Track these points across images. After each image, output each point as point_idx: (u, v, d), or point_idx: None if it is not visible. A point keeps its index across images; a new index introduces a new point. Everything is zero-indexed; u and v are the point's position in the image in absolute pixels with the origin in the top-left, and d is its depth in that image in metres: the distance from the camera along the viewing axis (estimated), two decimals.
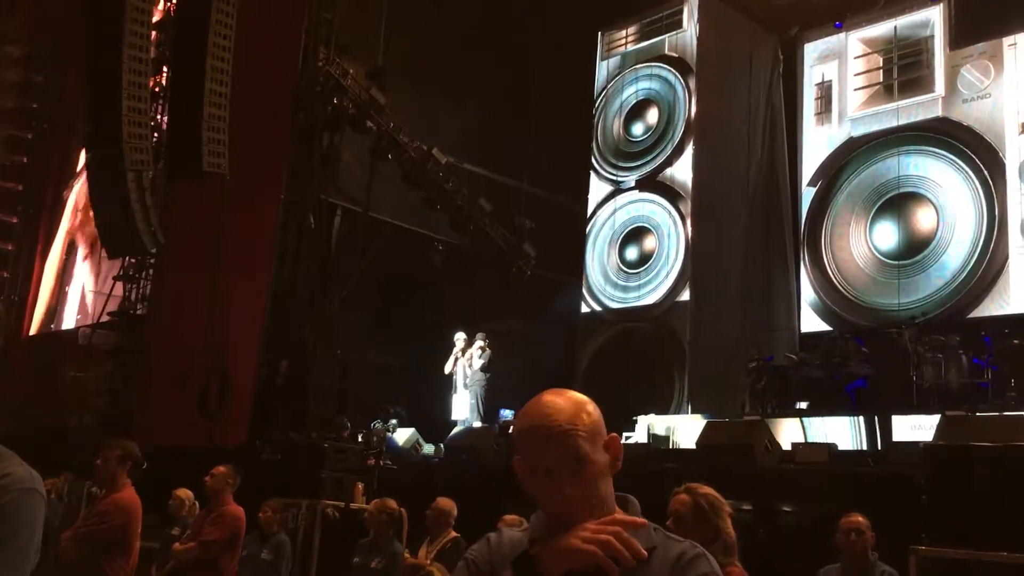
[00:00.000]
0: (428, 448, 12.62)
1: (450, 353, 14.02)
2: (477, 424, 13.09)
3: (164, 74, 14.67)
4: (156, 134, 13.45)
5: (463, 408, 13.69)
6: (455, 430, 13.06)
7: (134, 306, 16.09)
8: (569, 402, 1.70)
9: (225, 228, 13.18)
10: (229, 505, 5.95)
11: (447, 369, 13.93)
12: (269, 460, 10.74)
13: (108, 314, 16.65)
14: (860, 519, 4.91)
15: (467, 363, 13.81)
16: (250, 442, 12.06)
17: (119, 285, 16.46)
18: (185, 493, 7.57)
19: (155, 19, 13.70)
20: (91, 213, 14.94)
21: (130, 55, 12.14)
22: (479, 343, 13.74)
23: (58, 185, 21.60)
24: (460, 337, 13.87)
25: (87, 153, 14.05)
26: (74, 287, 20.22)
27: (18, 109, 21.54)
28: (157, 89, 14.14)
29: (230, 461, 6.38)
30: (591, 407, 1.71)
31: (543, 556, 1.57)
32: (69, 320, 19.88)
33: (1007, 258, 11.72)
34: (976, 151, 12.29)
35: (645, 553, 1.59)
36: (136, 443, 5.06)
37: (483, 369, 13.57)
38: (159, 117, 14.11)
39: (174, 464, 8.39)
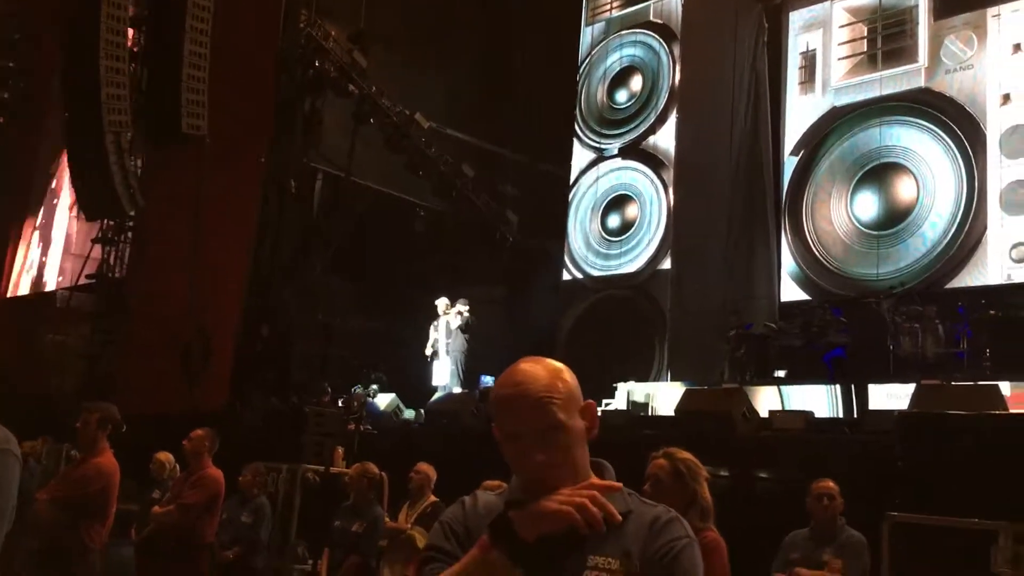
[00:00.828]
0: (409, 413, 12.66)
1: (432, 318, 14.01)
2: (457, 390, 13.13)
3: (143, 34, 14.45)
4: (134, 95, 13.27)
5: (444, 374, 13.72)
6: (436, 395, 13.10)
7: (112, 269, 15.98)
8: (545, 370, 1.71)
9: (206, 191, 13.08)
10: (208, 468, 5.96)
11: (431, 336, 13.92)
12: (250, 424, 10.75)
13: (87, 276, 16.54)
14: (831, 484, 5.00)
15: (447, 328, 13.82)
16: (230, 406, 12.06)
17: (97, 248, 16.33)
18: (166, 456, 7.58)
19: None
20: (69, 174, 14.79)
21: (108, 13, 11.96)
22: (459, 307, 13.74)
23: (36, 146, 21.32)
24: (442, 302, 13.86)
25: (65, 114, 13.85)
26: (54, 249, 20.05)
27: None
28: (136, 49, 13.94)
29: (209, 424, 6.39)
30: (567, 375, 1.73)
31: (518, 519, 1.59)
32: (50, 282, 19.73)
33: (985, 229, 11.79)
34: (958, 122, 12.32)
35: (619, 517, 1.61)
36: (116, 406, 5.05)
37: (461, 330, 13.57)
38: (138, 78, 13.92)
39: (154, 428, 8.39)
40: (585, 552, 1.61)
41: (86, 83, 12.16)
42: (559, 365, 1.74)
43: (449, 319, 13.77)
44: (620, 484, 1.70)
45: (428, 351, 13.90)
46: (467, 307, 13.72)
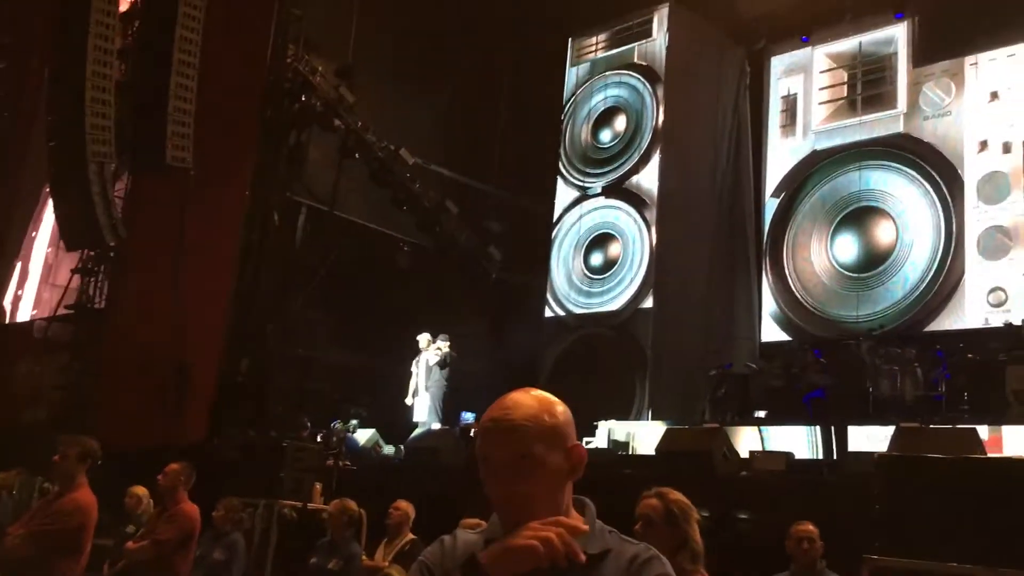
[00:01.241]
0: (388, 449, 12.57)
1: (414, 354, 13.98)
2: (436, 426, 13.07)
3: (130, 66, 14.48)
4: (119, 126, 13.26)
5: (424, 410, 13.65)
6: (416, 432, 13.03)
7: (92, 299, 15.85)
8: (534, 401, 1.71)
9: (188, 223, 13.04)
10: (183, 503, 5.88)
11: (412, 373, 13.87)
12: (227, 458, 10.64)
13: (65, 307, 16.39)
14: (811, 527, 4.99)
15: (427, 364, 13.78)
16: (209, 440, 11.93)
17: (76, 278, 16.21)
18: (141, 491, 7.47)
19: (122, 10, 13.52)
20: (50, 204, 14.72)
21: (95, 45, 11.99)
22: (439, 343, 13.71)
23: (17, 175, 21.23)
24: (424, 338, 13.83)
25: (49, 143, 13.82)
26: (31, 281, 19.89)
27: None
28: (122, 80, 13.95)
29: (185, 458, 6.31)
30: (559, 410, 1.72)
31: (487, 559, 1.58)
32: (24, 313, 19.54)
33: (963, 274, 11.93)
34: (936, 168, 12.51)
35: (582, 556, 1.59)
36: (94, 440, 4.99)
37: (440, 366, 13.53)
38: (123, 109, 13.92)
39: (131, 461, 8.29)
40: None
41: (71, 113, 12.16)
42: (553, 399, 1.73)
43: (428, 355, 13.73)
44: (586, 528, 1.67)
45: (410, 393, 13.81)
46: (447, 343, 13.69)
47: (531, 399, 1.71)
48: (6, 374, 17.73)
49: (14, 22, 20.91)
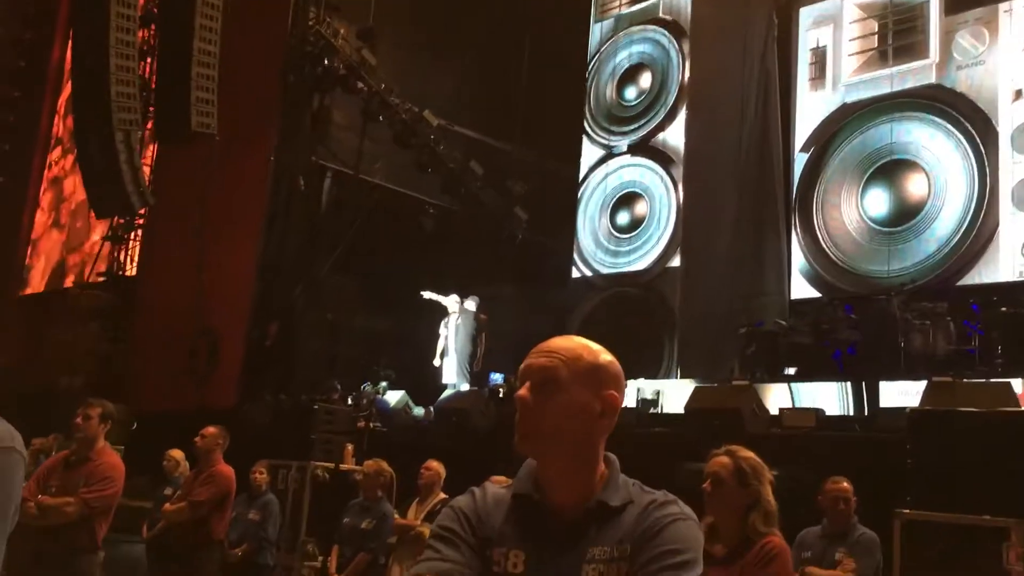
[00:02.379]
0: (418, 411, 12.65)
1: (442, 316, 13.98)
2: (464, 387, 13.12)
3: (152, 32, 14.49)
4: (144, 93, 13.31)
5: (453, 371, 13.69)
6: (445, 393, 13.09)
7: (123, 267, 16.04)
8: (572, 342, 1.72)
9: (214, 189, 13.11)
10: (219, 465, 5.97)
11: (441, 334, 13.89)
12: (259, 422, 10.77)
13: (97, 275, 16.60)
14: (845, 485, 4.96)
15: (455, 324, 13.78)
16: (240, 404, 12.08)
17: (107, 245, 16.39)
18: (178, 453, 7.58)
19: None
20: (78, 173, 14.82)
21: (118, 12, 11.99)
22: (467, 304, 13.69)
23: (46, 146, 21.42)
24: (453, 299, 13.83)
25: (74, 112, 13.90)
26: (64, 248, 20.12)
27: (5, 67, 21.28)
28: (145, 47, 13.97)
29: (219, 422, 6.40)
30: (601, 355, 1.71)
31: None
32: (57, 281, 19.80)
33: (997, 226, 11.72)
34: (969, 118, 12.24)
35: None
36: (126, 405, 5.05)
37: (471, 327, 13.52)
38: (147, 76, 13.96)
39: (165, 425, 8.41)
40: (586, 543, 1.61)
41: (95, 81, 12.20)
42: (600, 347, 1.72)
43: (457, 316, 13.75)
44: None
45: (437, 354, 13.85)
46: (475, 304, 13.67)
47: (574, 339, 1.72)
48: (40, 341, 18.04)
49: None
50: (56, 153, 21.17)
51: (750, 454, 3.20)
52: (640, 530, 1.60)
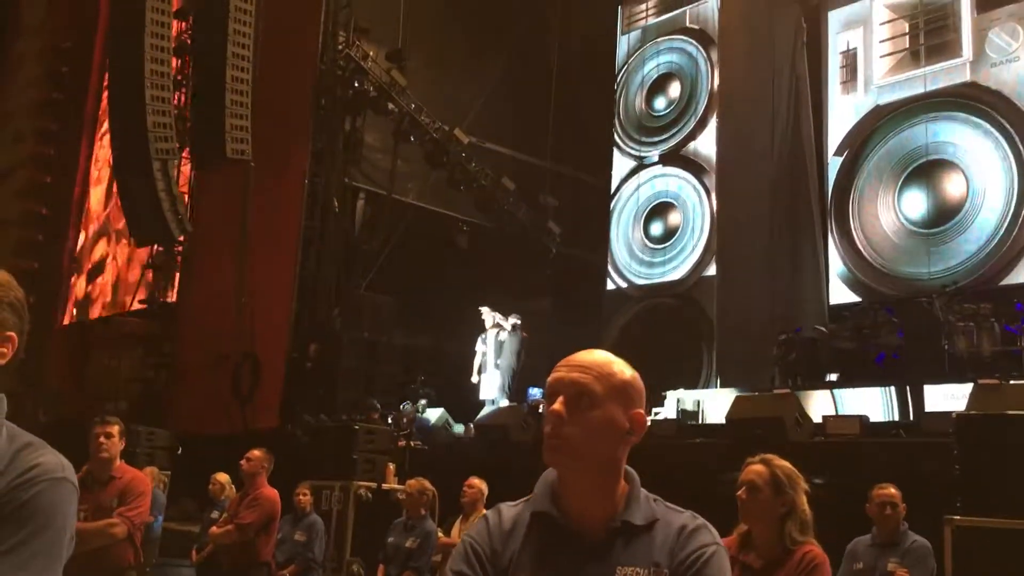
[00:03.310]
0: (458, 428, 12.68)
1: (479, 331, 14.00)
2: (504, 403, 13.12)
3: (186, 61, 14.74)
4: (180, 122, 13.53)
5: (492, 388, 13.71)
6: (484, 409, 13.11)
7: (164, 293, 16.27)
8: (601, 356, 1.71)
9: (251, 214, 13.27)
10: (264, 488, 6.01)
11: (477, 349, 13.92)
12: (301, 443, 10.84)
13: (139, 302, 16.85)
14: (893, 491, 4.88)
15: (496, 341, 13.78)
16: (282, 425, 12.18)
17: (148, 273, 16.64)
18: (223, 477, 7.65)
19: (175, 7, 13.75)
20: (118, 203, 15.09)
21: (152, 44, 12.22)
22: (511, 320, 13.67)
23: (86, 176, 21.82)
24: (485, 311, 13.84)
25: (112, 143, 14.16)
26: (104, 277, 20.45)
27: (45, 101, 21.74)
28: (179, 77, 14.22)
29: (261, 444, 6.45)
30: (629, 372, 1.70)
31: None
32: (100, 309, 20.12)
33: None
34: (1005, 115, 12.07)
35: None
36: (170, 430, 5.10)
37: (513, 344, 13.53)
38: (182, 105, 14.20)
39: (208, 450, 8.50)
40: (613, 562, 1.59)
41: (132, 112, 12.43)
42: (622, 362, 1.72)
43: (500, 332, 13.75)
44: None
45: (475, 371, 13.88)
46: (518, 320, 13.66)
47: (601, 354, 1.72)
48: (85, 369, 18.32)
49: (74, 25, 21.42)
50: (95, 184, 21.57)
51: (785, 462, 3.16)
52: (679, 559, 1.59)
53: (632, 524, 1.62)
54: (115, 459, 4.60)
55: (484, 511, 6.60)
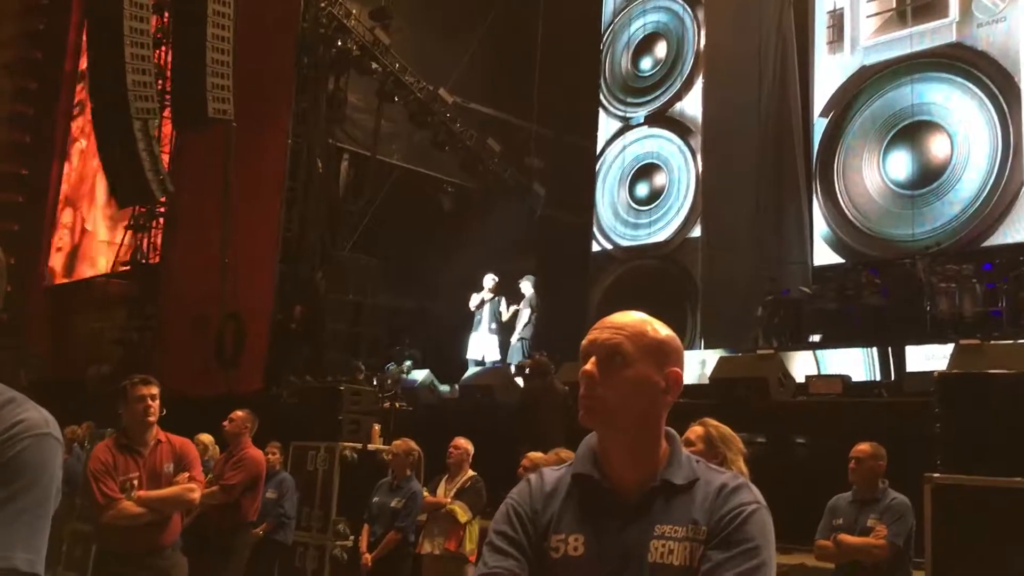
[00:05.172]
0: (443, 388, 12.71)
1: (472, 291, 13.91)
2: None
3: (166, 20, 14.51)
4: (160, 81, 13.35)
5: (481, 348, 13.67)
6: (470, 370, 13.13)
7: (146, 255, 16.16)
8: (635, 317, 1.71)
9: (233, 175, 13.15)
10: (248, 448, 6.03)
11: (472, 305, 13.84)
12: (286, 404, 10.86)
13: (121, 264, 16.73)
14: (862, 447, 4.95)
15: (500, 309, 13.66)
16: (267, 387, 12.18)
17: (130, 234, 16.51)
18: (207, 438, 7.66)
19: None
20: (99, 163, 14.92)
21: (131, 1, 11.99)
22: (523, 285, 13.51)
23: (65, 136, 21.55)
24: (490, 278, 13.78)
25: (92, 103, 13.96)
26: (85, 238, 20.29)
27: (22, 60, 21.39)
28: (159, 35, 14.00)
29: (247, 405, 6.45)
30: (665, 331, 1.70)
31: None
32: (83, 271, 19.98)
33: (1022, 185, 11.57)
34: (991, 76, 12.06)
35: None
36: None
37: (531, 308, 13.40)
38: (162, 64, 14.00)
39: (192, 411, 8.49)
40: (652, 520, 1.60)
41: (111, 71, 12.24)
42: (658, 322, 1.72)
43: (500, 300, 13.67)
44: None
45: (472, 306, 13.74)
46: (531, 282, 13.53)
47: (636, 315, 1.71)
48: (68, 331, 18.23)
49: None
50: (75, 145, 21.31)
51: (723, 426, 3.44)
52: (717, 516, 1.59)
53: (672, 483, 1.63)
54: (153, 424, 4.37)
55: (470, 471, 6.67)
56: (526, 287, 13.53)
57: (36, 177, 21.35)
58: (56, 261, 20.97)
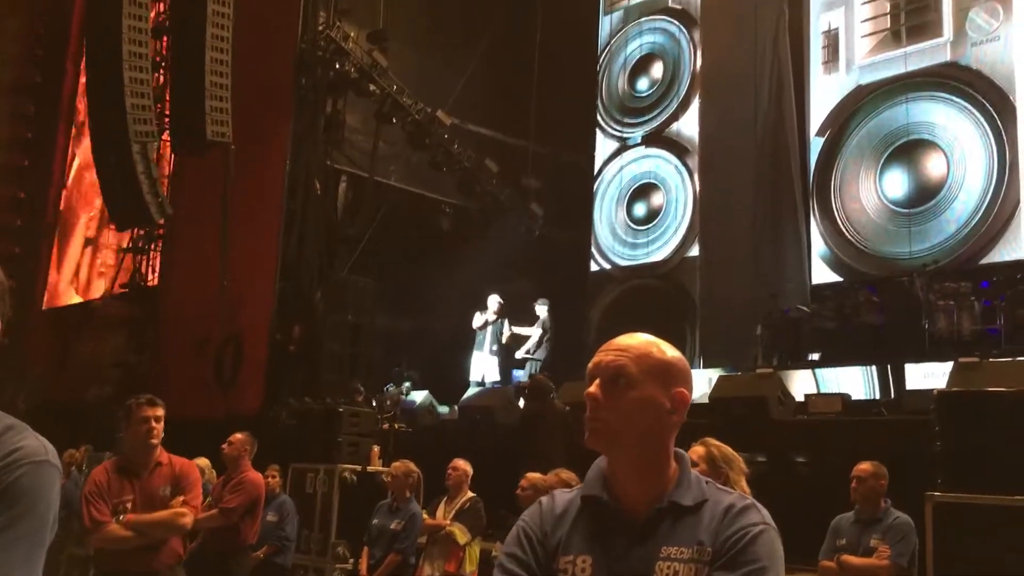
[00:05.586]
0: (442, 409, 12.68)
1: (472, 311, 13.89)
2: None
3: (164, 43, 14.58)
4: (159, 105, 13.39)
5: (482, 368, 13.63)
6: (469, 391, 13.10)
7: (145, 277, 16.16)
8: (640, 339, 1.72)
9: (232, 197, 13.18)
10: (248, 472, 6.01)
11: (475, 325, 13.82)
12: (285, 426, 10.83)
13: (120, 286, 16.73)
14: (864, 466, 4.95)
15: (503, 331, 13.63)
16: (265, 409, 12.15)
17: (129, 257, 16.52)
18: (204, 462, 7.63)
19: None
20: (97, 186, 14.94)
21: (129, 25, 12.06)
22: (537, 308, 13.46)
23: (64, 160, 21.60)
24: (494, 299, 13.76)
25: (91, 126, 14.00)
26: (85, 260, 20.29)
27: (21, 83, 21.47)
28: (158, 59, 14.06)
29: (245, 427, 6.44)
30: (670, 352, 1.71)
31: None
32: (82, 293, 19.98)
33: (1018, 203, 11.61)
34: (986, 95, 12.13)
35: None
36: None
37: (543, 329, 13.36)
38: (161, 87, 14.05)
39: (191, 433, 8.47)
40: (659, 542, 1.60)
41: (110, 94, 12.28)
42: (664, 344, 1.73)
43: (503, 322, 13.64)
44: None
45: (476, 325, 13.70)
46: (546, 306, 13.50)
47: (641, 336, 1.73)
48: (67, 354, 18.20)
49: (50, 9, 21.14)
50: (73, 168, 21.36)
51: (724, 446, 3.44)
52: (723, 537, 1.59)
53: (680, 504, 1.63)
54: (157, 445, 4.32)
55: (469, 492, 6.66)
56: (541, 310, 13.49)
57: (34, 199, 21.38)
58: (56, 283, 20.97)
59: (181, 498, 4.27)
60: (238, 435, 6.12)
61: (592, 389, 1.66)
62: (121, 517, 4.13)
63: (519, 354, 13.42)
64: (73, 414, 13.98)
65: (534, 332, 13.40)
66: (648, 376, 1.65)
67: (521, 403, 10.56)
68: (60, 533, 1.85)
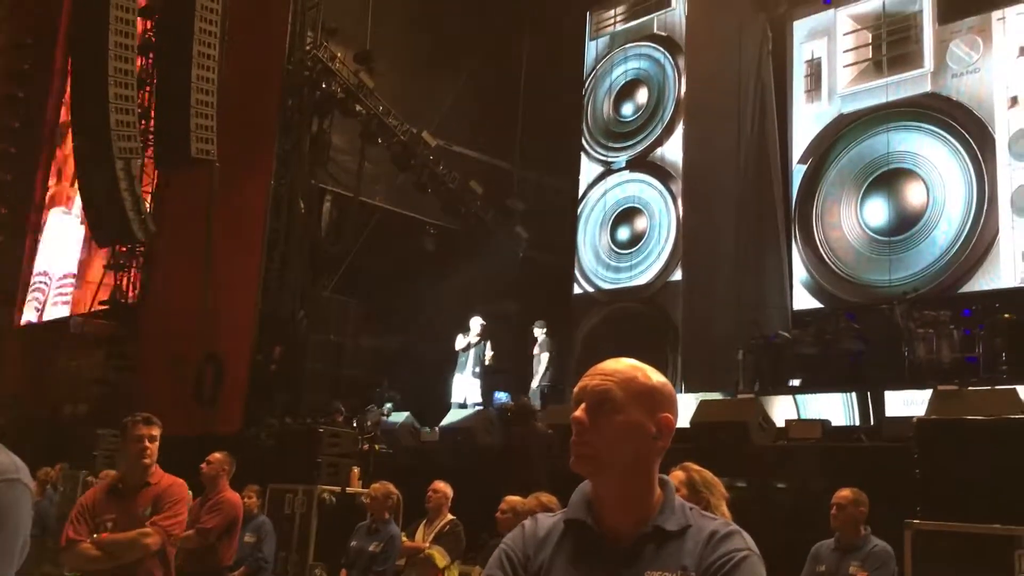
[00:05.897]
0: (424, 431, 12.61)
1: (455, 332, 13.86)
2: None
3: (151, 60, 14.59)
4: (143, 121, 13.37)
5: (463, 390, 13.60)
6: (451, 413, 13.04)
7: (125, 294, 16.06)
8: (626, 364, 1.72)
9: (216, 215, 13.15)
10: (226, 492, 5.96)
11: (458, 347, 13.78)
12: (264, 446, 10.75)
13: (100, 303, 16.62)
14: (844, 493, 4.96)
15: (486, 353, 13.58)
16: (245, 428, 12.06)
17: (110, 274, 16.42)
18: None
19: (140, 5, 13.59)
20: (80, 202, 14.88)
21: (116, 41, 12.06)
22: (536, 331, 13.40)
23: (45, 176, 21.50)
24: (477, 321, 13.74)
25: (74, 142, 13.96)
26: (65, 277, 20.14)
27: (4, 98, 21.38)
28: (143, 76, 14.05)
29: (224, 447, 6.39)
30: (655, 377, 1.71)
31: None
32: (60, 310, 19.81)
33: (997, 233, 11.74)
34: (965, 126, 12.28)
35: None
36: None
37: (547, 350, 13.28)
38: (146, 104, 14.03)
39: (170, 452, 8.39)
40: (642, 567, 1.60)
41: (95, 110, 12.26)
42: (650, 369, 1.73)
43: (486, 345, 13.61)
44: None
45: (458, 347, 13.67)
46: (544, 329, 13.44)
47: (627, 361, 1.72)
48: (44, 371, 18.03)
49: (36, 23, 21.11)
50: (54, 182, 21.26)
51: (704, 470, 3.42)
52: (707, 563, 1.59)
53: (664, 530, 1.63)
54: (151, 464, 4.26)
55: (449, 515, 6.61)
56: (540, 333, 13.44)
57: (14, 215, 21.24)
58: (33, 302, 20.81)
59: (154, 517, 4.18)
60: (217, 455, 6.07)
61: (578, 413, 1.66)
62: (95, 536, 4.06)
63: (534, 383, 13.18)
64: (49, 431, 13.84)
65: (542, 357, 13.32)
66: (634, 401, 1.65)
67: (502, 426, 10.52)
68: (34, 552, 1.82)
